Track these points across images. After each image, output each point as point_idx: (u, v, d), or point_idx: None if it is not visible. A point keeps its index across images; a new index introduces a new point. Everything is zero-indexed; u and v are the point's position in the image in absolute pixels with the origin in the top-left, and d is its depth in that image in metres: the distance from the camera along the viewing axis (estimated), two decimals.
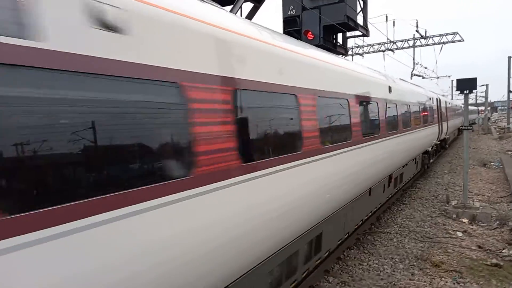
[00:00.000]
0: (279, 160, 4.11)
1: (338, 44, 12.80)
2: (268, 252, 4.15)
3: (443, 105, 19.96)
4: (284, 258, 4.64)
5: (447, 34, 30.42)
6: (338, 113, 5.88)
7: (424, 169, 16.51)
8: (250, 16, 14.45)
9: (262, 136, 3.96)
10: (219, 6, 4.10)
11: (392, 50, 30.05)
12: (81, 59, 2.16)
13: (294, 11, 11.67)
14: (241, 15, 13.99)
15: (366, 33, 13.11)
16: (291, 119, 4.51)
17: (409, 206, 11.33)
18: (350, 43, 33.76)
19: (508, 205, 10.99)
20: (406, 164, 11.88)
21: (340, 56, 9.95)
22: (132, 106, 2.48)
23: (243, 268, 3.73)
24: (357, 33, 13.24)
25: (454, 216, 10.08)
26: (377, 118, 7.99)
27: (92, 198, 2.19)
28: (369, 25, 13.17)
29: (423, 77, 32.85)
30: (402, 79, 13.53)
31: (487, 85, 52.63)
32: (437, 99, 18.10)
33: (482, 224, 9.53)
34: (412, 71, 28.97)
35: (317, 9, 11.12)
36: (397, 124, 9.70)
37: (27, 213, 1.90)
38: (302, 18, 11.49)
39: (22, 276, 1.86)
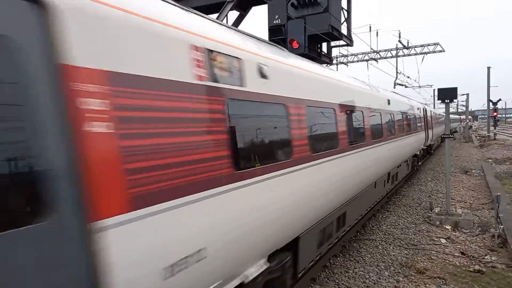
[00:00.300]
0: (330, 153, 6.03)
1: (323, 53, 12.96)
2: (317, 219, 5.89)
3: (428, 114, 21.55)
4: (324, 226, 6.31)
5: (428, 45, 31.13)
6: (356, 122, 7.92)
7: (414, 170, 17.89)
8: (236, 24, 14.51)
9: (317, 137, 5.71)
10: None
11: (375, 59, 30.57)
12: (257, 95, 4.15)
13: (279, 20, 11.77)
14: (227, 23, 14.04)
15: (350, 43, 13.30)
16: (360, 123, 8.11)
17: (393, 213, 11.43)
18: (335, 52, 34.23)
19: (489, 211, 11.19)
20: (400, 165, 13.51)
21: (325, 65, 10.07)
22: (270, 116, 4.50)
23: (306, 226, 5.47)
24: (342, 42, 13.42)
25: (437, 223, 10.21)
26: (380, 125, 9.85)
27: (272, 164, 4.36)
28: (353, 35, 13.38)
29: (406, 86, 33.48)
30: (395, 92, 16.03)
31: (467, 94, 53.99)
32: (423, 109, 19.92)
33: (464, 231, 9.68)
34: (395, 80, 29.50)
35: (302, 19, 11.25)
36: (395, 130, 11.63)
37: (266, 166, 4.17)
38: (287, 27, 11.59)
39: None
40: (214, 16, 13.75)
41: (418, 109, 17.84)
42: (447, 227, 9.95)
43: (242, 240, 3.69)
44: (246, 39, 4.48)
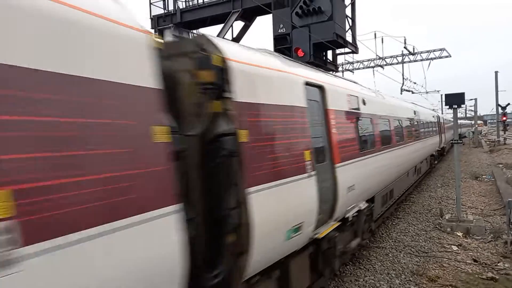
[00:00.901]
0: (391, 147, 9.90)
1: (328, 60, 12.97)
2: (383, 188, 9.39)
3: (441, 120, 26.00)
4: (384, 193, 9.78)
5: (434, 50, 31.06)
6: (401, 127, 11.83)
7: (431, 167, 22.00)
8: (240, 34, 14.63)
9: (386, 137, 9.55)
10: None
11: (381, 66, 30.54)
12: (365, 113, 8.04)
13: (284, 29, 11.86)
14: (232, 33, 14.18)
15: (355, 50, 13.33)
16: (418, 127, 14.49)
17: (403, 220, 11.30)
18: (340, 59, 34.29)
19: (501, 217, 11.01)
20: (422, 162, 17.08)
21: (331, 72, 10.10)
22: (370, 124, 8.37)
23: (379, 190, 8.90)
24: (347, 50, 13.46)
25: (448, 229, 10.07)
26: (412, 130, 13.79)
27: (379, 148, 8.70)
28: (358, 42, 13.41)
29: (413, 92, 33.35)
30: (415, 103, 19.56)
31: (475, 99, 53.57)
32: (437, 116, 24.45)
33: (476, 238, 9.53)
34: (402, 86, 29.40)
35: (306, 27, 11.31)
36: (420, 134, 15.51)
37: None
38: (292, 36, 11.67)
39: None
40: (219, 27, 13.90)
41: (433, 116, 22.04)
42: (458, 234, 9.80)
43: (367, 187, 7.59)
44: (356, 85, 8.72)
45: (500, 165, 23.23)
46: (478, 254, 8.39)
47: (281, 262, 4.65)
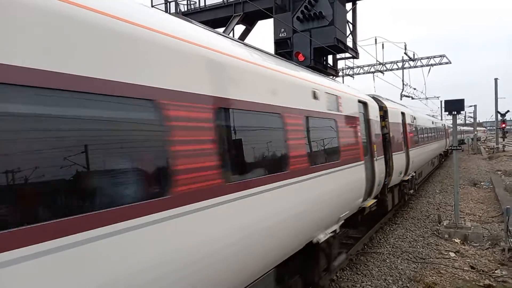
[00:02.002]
0: (426, 143, 17.60)
1: (328, 65, 13.01)
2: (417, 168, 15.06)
3: (446, 127, 31.27)
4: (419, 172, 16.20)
5: (434, 57, 31.16)
6: (427, 132, 19.13)
7: (440, 163, 28.79)
8: (242, 38, 14.66)
9: (422, 138, 16.92)
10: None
11: (381, 71, 30.62)
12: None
13: (285, 33, 11.91)
14: (233, 37, 14.20)
15: (355, 55, 13.38)
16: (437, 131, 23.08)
17: (401, 226, 11.31)
18: (341, 64, 34.37)
19: (499, 225, 11.02)
20: (435, 157, 23.75)
21: (331, 77, 10.14)
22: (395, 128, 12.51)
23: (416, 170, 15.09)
24: (347, 55, 13.51)
25: (446, 236, 10.08)
26: (430, 134, 19.95)
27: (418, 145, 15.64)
28: (358, 48, 13.46)
29: (413, 98, 33.41)
30: (431, 115, 29.75)
31: (475, 105, 53.69)
32: (443, 124, 30.64)
33: (474, 244, 9.53)
34: (402, 92, 29.47)
35: (307, 32, 11.35)
36: (435, 137, 22.09)
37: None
38: (293, 40, 11.72)
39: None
40: (220, 30, 13.94)
41: (442, 124, 29.20)
42: (456, 240, 9.80)
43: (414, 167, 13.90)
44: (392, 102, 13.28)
45: (499, 172, 23.25)
46: (476, 261, 8.39)
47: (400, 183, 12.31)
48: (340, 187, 6.16)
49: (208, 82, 3.39)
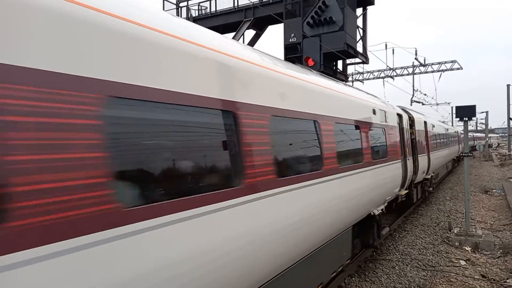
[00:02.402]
0: (445, 146, 21.42)
1: (338, 70, 12.99)
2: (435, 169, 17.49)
3: (459, 134, 32.90)
4: (437, 173, 18.33)
5: (445, 62, 30.90)
6: (448, 138, 23.84)
7: (454, 167, 30.75)
8: (252, 43, 14.73)
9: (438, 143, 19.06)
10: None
11: (391, 77, 30.44)
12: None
13: (295, 38, 11.92)
14: (243, 41, 14.30)
15: (365, 61, 13.34)
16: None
17: (410, 233, 11.19)
18: (350, 69, 34.26)
19: (511, 233, 10.85)
20: (449, 161, 25.71)
21: (341, 82, 10.13)
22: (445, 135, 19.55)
23: (435, 170, 17.35)
24: (357, 60, 13.47)
25: (456, 244, 9.95)
26: (444, 140, 21.17)
27: (439, 147, 18.81)
28: (368, 53, 13.42)
29: (423, 104, 33.13)
30: (444, 122, 32.74)
31: (487, 112, 53.00)
32: (457, 131, 32.26)
33: (485, 253, 9.39)
34: (412, 97, 29.25)
35: (317, 37, 11.36)
36: (451, 142, 24.88)
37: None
38: (302, 45, 11.73)
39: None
40: (231, 35, 14.04)
41: (455, 131, 30.76)
42: (466, 248, 9.67)
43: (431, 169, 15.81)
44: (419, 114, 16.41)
45: (511, 180, 22.89)
46: (487, 269, 8.27)
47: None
48: (388, 177, 8.61)
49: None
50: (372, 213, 7.85)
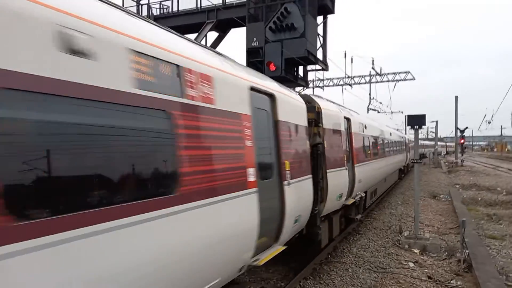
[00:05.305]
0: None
1: (299, 76, 13.21)
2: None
3: (407, 141, 31.40)
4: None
5: (400, 73, 32.40)
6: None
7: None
8: (214, 45, 14.64)
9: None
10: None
11: (350, 85, 31.45)
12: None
13: (257, 42, 12.01)
14: (205, 43, 14.18)
15: (325, 68, 13.68)
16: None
17: (364, 236, 11.55)
18: (311, 76, 35.01)
19: (456, 236, 11.49)
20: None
21: (302, 88, 10.31)
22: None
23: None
24: (317, 67, 13.79)
25: (406, 246, 10.39)
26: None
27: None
28: (328, 61, 13.78)
29: (378, 112, 34.50)
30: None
31: (436, 121, 56.08)
32: (403, 136, 29.90)
33: (432, 255, 9.88)
34: (369, 105, 30.37)
35: (279, 42, 11.51)
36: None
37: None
38: (264, 50, 11.84)
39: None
40: (193, 36, 13.89)
41: (401, 137, 28.24)
42: (415, 251, 10.12)
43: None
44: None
45: (457, 186, 24.34)
46: (433, 271, 8.69)
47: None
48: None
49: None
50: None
